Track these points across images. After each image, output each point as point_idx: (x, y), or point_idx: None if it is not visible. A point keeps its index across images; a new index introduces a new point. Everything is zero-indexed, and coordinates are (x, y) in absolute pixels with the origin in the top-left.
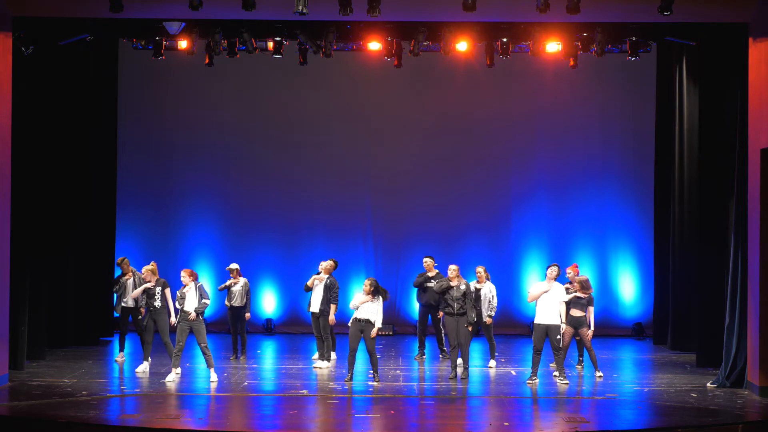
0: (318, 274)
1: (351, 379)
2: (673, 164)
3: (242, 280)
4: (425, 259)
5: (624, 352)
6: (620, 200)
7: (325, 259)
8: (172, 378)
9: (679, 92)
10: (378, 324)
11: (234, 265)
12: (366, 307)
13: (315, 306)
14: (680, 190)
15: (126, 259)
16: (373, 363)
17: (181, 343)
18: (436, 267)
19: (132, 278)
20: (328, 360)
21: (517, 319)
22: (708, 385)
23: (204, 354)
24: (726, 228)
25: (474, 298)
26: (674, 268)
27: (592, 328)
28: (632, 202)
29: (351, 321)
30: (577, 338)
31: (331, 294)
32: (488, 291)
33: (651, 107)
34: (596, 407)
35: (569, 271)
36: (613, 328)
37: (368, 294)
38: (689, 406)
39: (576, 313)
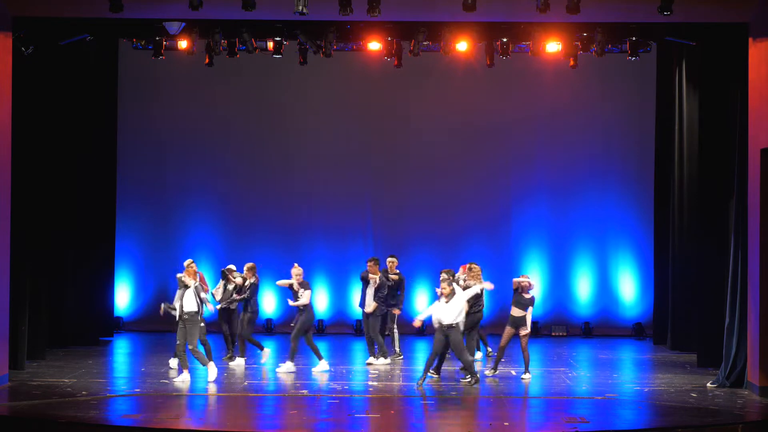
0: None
1: (421, 384)
2: (673, 164)
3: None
4: (389, 259)
5: (624, 352)
6: (620, 200)
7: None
8: (183, 378)
9: (679, 92)
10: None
11: (232, 267)
12: (443, 310)
13: (369, 306)
14: (680, 190)
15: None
16: (467, 364)
17: (180, 342)
18: (397, 268)
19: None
20: (385, 357)
21: None
22: (708, 385)
23: (194, 355)
24: (726, 228)
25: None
26: (674, 268)
27: (528, 329)
28: (632, 202)
29: (436, 326)
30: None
31: (377, 295)
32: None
33: (651, 107)
34: (596, 407)
35: (461, 270)
36: (613, 328)
37: (447, 295)
38: (689, 406)
39: (517, 312)
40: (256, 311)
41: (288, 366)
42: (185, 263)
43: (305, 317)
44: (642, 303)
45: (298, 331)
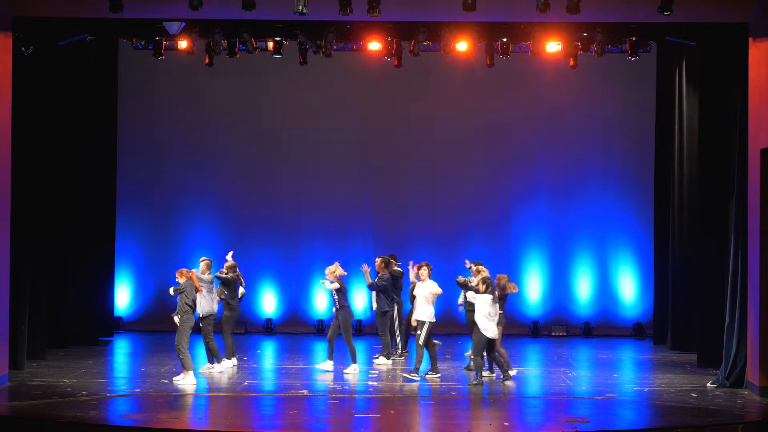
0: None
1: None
2: (673, 164)
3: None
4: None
5: (624, 352)
6: (620, 200)
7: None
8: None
9: (679, 92)
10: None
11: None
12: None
13: (374, 303)
14: (680, 190)
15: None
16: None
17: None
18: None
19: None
20: (388, 357)
21: (517, 318)
22: (708, 385)
23: (178, 355)
24: (726, 228)
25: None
26: (674, 268)
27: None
28: (632, 201)
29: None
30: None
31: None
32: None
33: (651, 107)
34: (596, 407)
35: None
36: (613, 328)
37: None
38: (689, 406)
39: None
40: (235, 309)
41: (354, 367)
42: (201, 260)
43: (344, 316)
44: (642, 303)
45: (348, 333)
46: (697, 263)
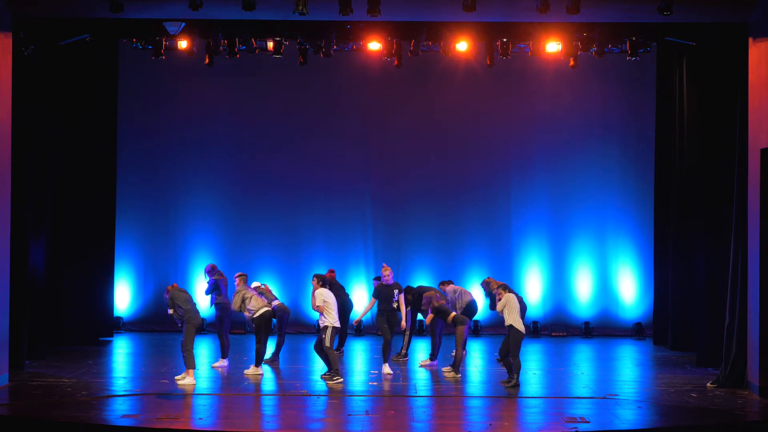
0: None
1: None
2: (673, 164)
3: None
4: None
5: (624, 352)
6: (620, 200)
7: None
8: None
9: (679, 92)
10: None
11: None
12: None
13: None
14: (680, 191)
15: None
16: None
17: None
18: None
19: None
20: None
21: None
22: (708, 385)
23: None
24: (726, 228)
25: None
26: (674, 268)
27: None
28: (632, 201)
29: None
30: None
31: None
32: None
33: (651, 107)
34: (596, 407)
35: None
36: (613, 328)
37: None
38: (689, 406)
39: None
40: (227, 308)
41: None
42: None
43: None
44: (642, 303)
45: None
46: (696, 263)
